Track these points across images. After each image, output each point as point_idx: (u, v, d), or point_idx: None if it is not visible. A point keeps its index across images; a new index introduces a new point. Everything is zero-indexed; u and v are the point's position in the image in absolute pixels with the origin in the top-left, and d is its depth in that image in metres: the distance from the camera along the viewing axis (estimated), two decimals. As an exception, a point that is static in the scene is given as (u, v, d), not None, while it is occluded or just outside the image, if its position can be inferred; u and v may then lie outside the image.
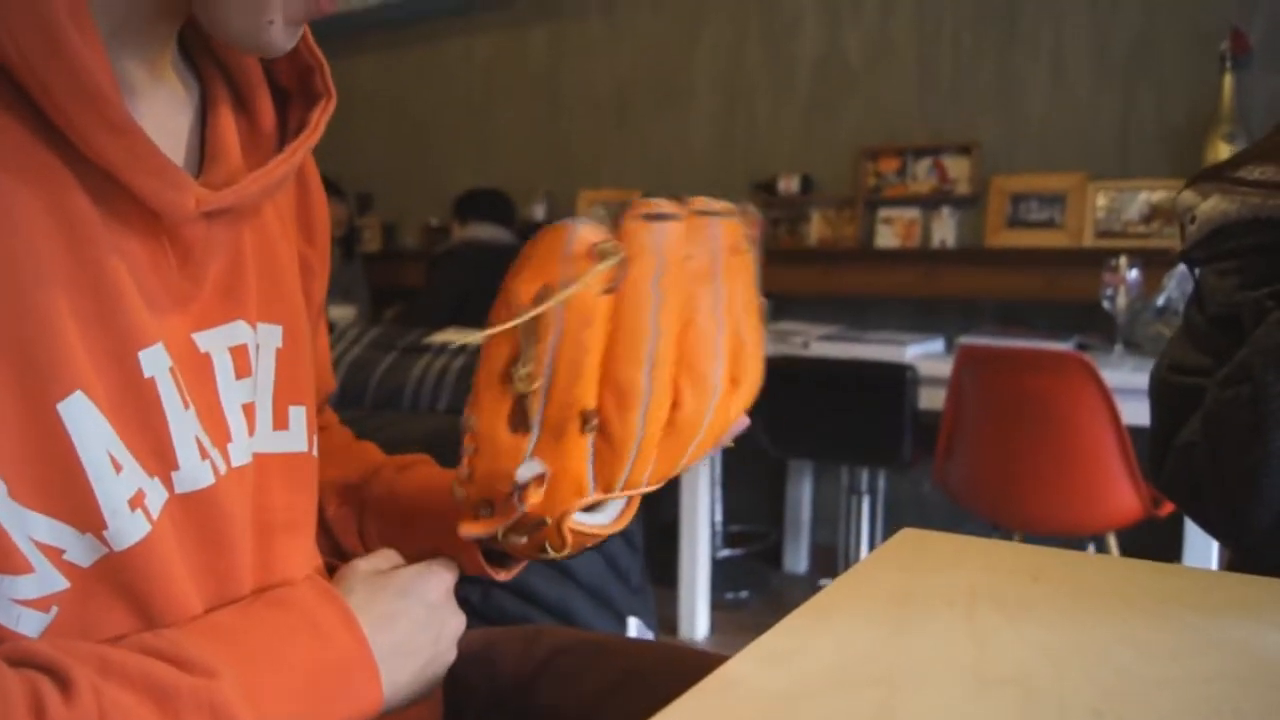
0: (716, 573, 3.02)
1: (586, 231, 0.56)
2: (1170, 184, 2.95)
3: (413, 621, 0.66)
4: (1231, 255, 0.93)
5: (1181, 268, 2.46)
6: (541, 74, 4.10)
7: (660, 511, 3.10)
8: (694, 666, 0.80)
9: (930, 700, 0.48)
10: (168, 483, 0.58)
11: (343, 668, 0.61)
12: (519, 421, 0.59)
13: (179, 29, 0.63)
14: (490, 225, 3.67)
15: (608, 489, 0.61)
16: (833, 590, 0.65)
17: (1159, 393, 0.99)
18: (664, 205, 0.61)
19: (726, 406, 0.64)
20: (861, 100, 3.40)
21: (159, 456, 0.57)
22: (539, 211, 4.05)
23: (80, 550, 0.54)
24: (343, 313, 3.90)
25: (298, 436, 0.69)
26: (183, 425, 0.58)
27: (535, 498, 0.60)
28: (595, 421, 0.59)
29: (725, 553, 3.42)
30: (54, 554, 0.53)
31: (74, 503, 0.53)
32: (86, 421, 0.53)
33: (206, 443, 0.60)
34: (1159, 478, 0.98)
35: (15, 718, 0.46)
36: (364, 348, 1.87)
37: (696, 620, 2.83)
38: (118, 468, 0.55)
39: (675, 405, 0.61)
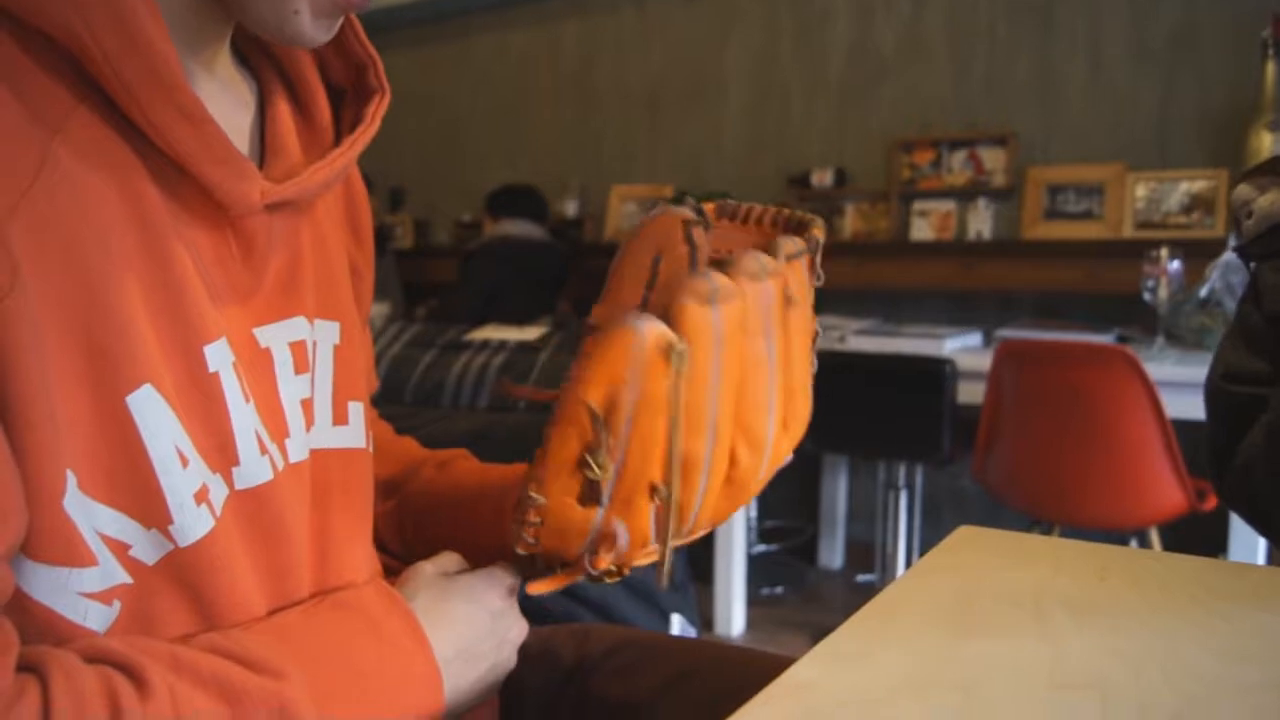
0: (751, 569, 3.01)
1: (652, 333, 0.56)
2: (1211, 174, 2.91)
3: (476, 628, 0.66)
4: None
5: (1226, 258, 2.43)
6: (574, 69, 4.09)
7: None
8: (745, 666, 0.80)
9: (1007, 706, 0.48)
10: (229, 479, 0.58)
11: (406, 673, 0.61)
12: (588, 498, 0.61)
13: (231, 30, 0.63)
14: (523, 221, 3.68)
15: (668, 539, 0.63)
16: (894, 590, 0.64)
17: (1215, 402, 0.96)
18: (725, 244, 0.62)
19: (779, 450, 0.67)
20: (895, 92, 3.38)
21: (221, 452, 0.57)
22: (571, 207, 4.05)
23: (146, 546, 0.54)
24: (376, 310, 3.92)
25: (356, 433, 0.69)
26: (244, 420, 0.59)
27: (605, 562, 0.63)
28: (664, 492, 0.61)
29: (760, 548, 3.41)
30: (119, 549, 0.54)
31: (141, 497, 0.54)
32: (155, 415, 0.54)
33: (266, 438, 0.60)
34: (1220, 490, 0.96)
35: (92, 714, 0.46)
36: (403, 345, 1.88)
37: (733, 616, 2.82)
38: (184, 462, 0.55)
39: (732, 463, 0.64)
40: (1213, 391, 0.97)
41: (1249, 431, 0.91)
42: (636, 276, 0.73)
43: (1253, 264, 0.97)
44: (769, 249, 0.63)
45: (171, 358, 0.55)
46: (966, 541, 0.74)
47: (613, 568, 0.65)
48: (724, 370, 0.60)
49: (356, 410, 0.69)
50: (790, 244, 0.65)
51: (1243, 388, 0.93)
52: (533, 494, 0.61)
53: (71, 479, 0.51)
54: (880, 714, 0.47)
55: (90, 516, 0.52)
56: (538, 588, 0.66)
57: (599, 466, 0.59)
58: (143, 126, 0.54)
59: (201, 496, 0.56)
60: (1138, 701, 0.48)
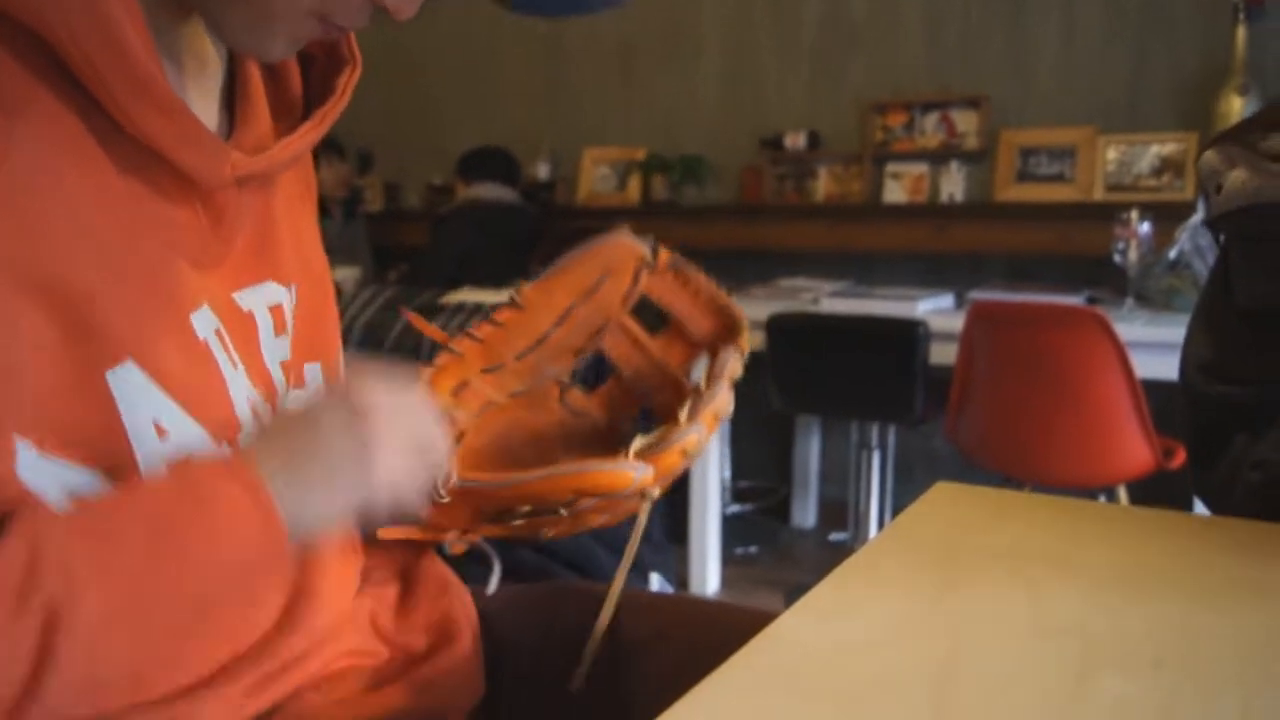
0: (725, 528, 3.03)
1: (644, 482, 0.66)
2: (1181, 137, 2.93)
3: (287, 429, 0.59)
4: (1263, 239, 0.90)
5: (1195, 220, 2.44)
6: (545, 30, 4.05)
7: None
8: (725, 620, 0.81)
9: (991, 652, 0.48)
10: (236, 446, 0.58)
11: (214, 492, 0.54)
12: (489, 517, 0.73)
13: None
14: (495, 184, 3.65)
15: None
16: (875, 545, 0.65)
17: (1190, 397, 0.92)
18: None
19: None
20: (868, 54, 3.36)
21: (223, 424, 0.57)
22: (543, 170, 4.02)
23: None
24: (346, 274, 3.88)
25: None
26: (238, 388, 0.59)
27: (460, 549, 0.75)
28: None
29: (734, 509, 3.44)
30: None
31: (114, 461, 0.53)
32: (134, 390, 0.54)
33: (258, 401, 0.60)
34: (1200, 485, 0.92)
35: None
36: (377, 310, 1.87)
37: (707, 575, 2.84)
38: (161, 433, 0.55)
39: None
40: (1188, 386, 0.93)
41: (1227, 430, 0.88)
42: (576, 285, 0.82)
43: (1221, 237, 0.96)
44: (718, 362, 0.75)
45: (158, 331, 0.55)
46: (944, 497, 0.75)
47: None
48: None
49: (313, 371, 0.70)
50: (735, 366, 0.75)
51: (1222, 386, 0.90)
52: (440, 491, 0.68)
53: (25, 444, 0.50)
54: (865, 663, 0.48)
55: (58, 476, 0.52)
56: (389, 533, 0.71)
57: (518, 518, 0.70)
58: (115, 116, 0.53)
59: None
60: (1119, 648, 0.49)
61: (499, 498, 0.68)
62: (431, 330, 0.84)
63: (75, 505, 0.51)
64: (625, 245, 0.82)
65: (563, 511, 0.67)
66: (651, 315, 0.85)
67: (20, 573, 0.47)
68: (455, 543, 0.72)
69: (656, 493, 0.67)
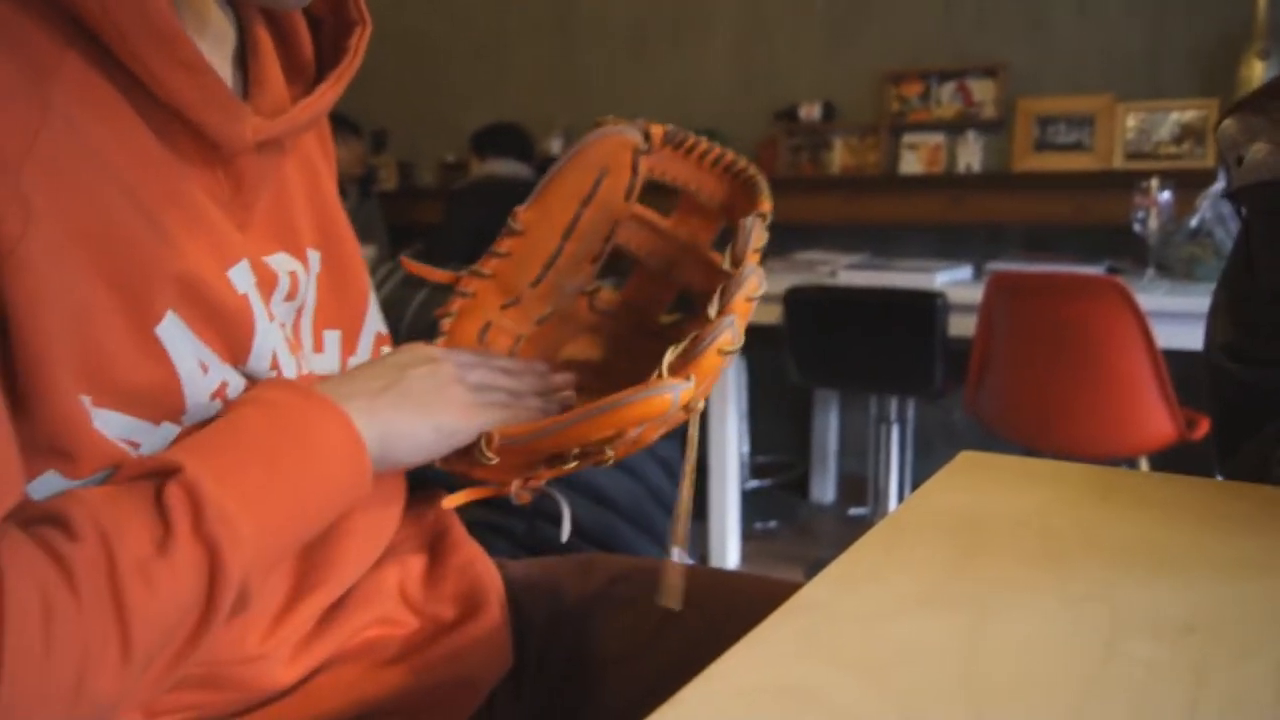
0: (745, 504, 3.03)
1: (684, 397, 0.61)
2: (1202, 104, 2.90)
3: (365, 368, 0.67)
4: None
5: (1216, 188, 2.42)
6: (557, 4, 4.03)
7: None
8: (748, 591, 0.81)
9: (1019, 619, 0.48)
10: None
11: (300, 415, 0.60)
12: (542, 464, 0.68)
13: None
14: (509, 160, 3.64)
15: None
16: (899, 515, 0.65)
17: (1214, 379, 0.90)
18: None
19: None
20: (882, 23, 3.34)
21: (256, 375, 0.61)
22: (556, 145, 4.01)
23: (155, 441, 0.56)
24: (362, 252, 3.88)
25: (331, 359, 0.71)
26: (267, 340, 0.61)
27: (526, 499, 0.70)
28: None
29: (753, 484, 3.44)
30: (130, 448, 0.55)
31: (163, 404, 0.56)
32: (180, 338, 0.56)
33: (284, 353, 0.63)
34: (1224, 468, 0.90)
35: (38, 568, 0.47)
36: (395, 285, 1.87)
37: (727, 551, 2.85)
38: (204, 369, 0.57)
39: None
40: (1212, 367, 0.91)
41: (1254, 414, 0.86)
42: (574, 191, 0.76)
43: (1243, 209, 0.94)
44: (740, 236, 0.66)
45: (198, 284, 0.56)
46: (969, 466, 0.75)
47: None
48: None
49: (332, 338, 0.71)
50: (759, 235, 0.67)
51: (1247, 368, 0.87)
52: (487, 453, 0.65)
53: (86, 402, 0.52)
54: (894, 630, 0.47)
55: (118, 429, 0.54)
56: (453, 500, 0.69)
57: (570, 459, 0.66)
58: (139, 75, 0.54)
59: (218, 394, 0.58)
60: (1149, 614, 0.48)
61: (542, 448, 0.65)
62: (433, 272, 0.79)
63: (192, 446, 0.55)
64: (614, 138, 0.75)
65: (609, 452, 0.63)
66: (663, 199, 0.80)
67: (190, 515, 0.51)
68: (520, 492, 0.69)
69: (701, 404, 0.62)
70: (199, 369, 0.57)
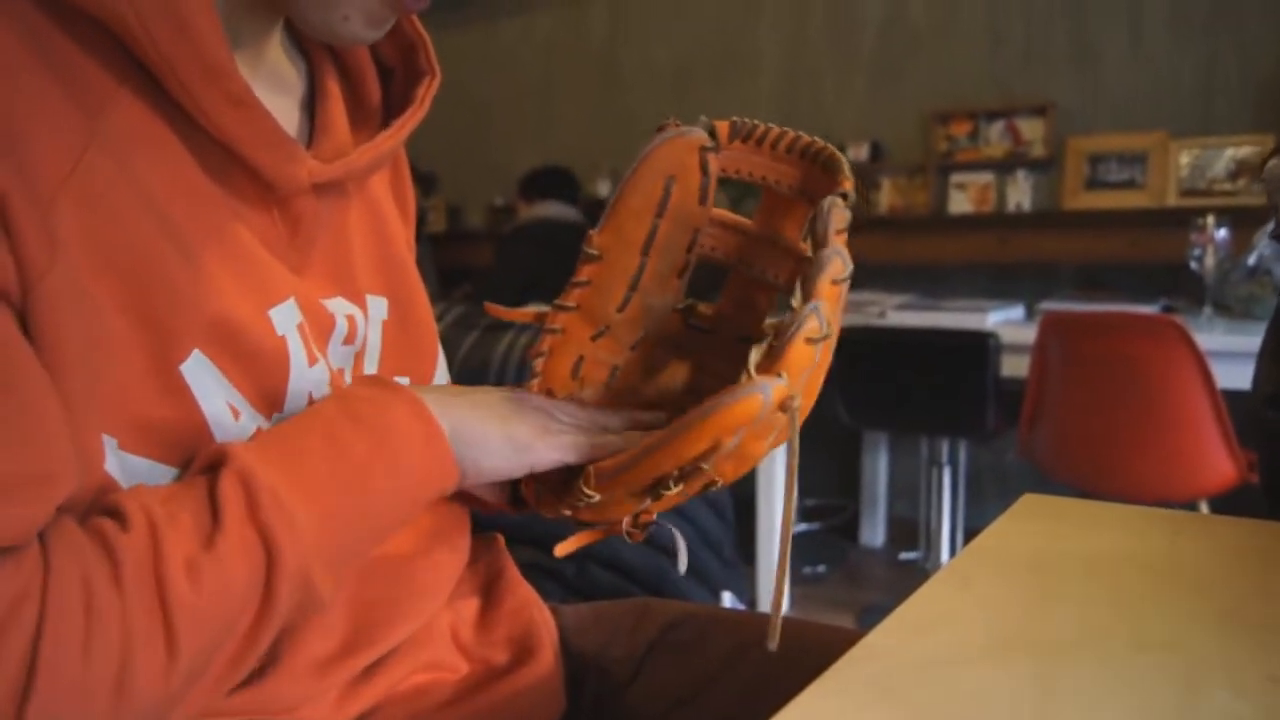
0: (793, 548, 3.00)
1: (777, 394, 0.56)
2: (1257, 139, 2.86)
3: (466, 392, 0.67)
4: None
5: (1270, 227, 2.37)
6: (601, 49, 4.08)
7: (737, 487, 3.09)
8: (804, 637, 0.80)
9: (1089, 667, 0.47)
10: None
11: (388, 417, 0.59)
12: (646, 494, 0.62)
13: (282, 19, 0.64)
14: (557, 203, 3.67)
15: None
16: (964, 559, 0.63)
17: (1262, 429, 0.86)
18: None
19: None
20: (929, 63, 3.33)
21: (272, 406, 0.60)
22: (603, 188, 4.04)
23: None
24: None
25: None
26: (301, 383, 0.60)
27: (639, 536, 0.66)
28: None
29: (802, 527, 3.40)
30: None
31: (190, 450, 0.55)
32: (206, 378, 0.55)
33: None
34: (1275, 513, 0.86)
35: (88, 558, 0.47)
36: (446, 326, 1.88)
37: (776, 594, 2.81)
38: (236, 415, 0.57)
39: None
40: (1259, 418, 0.86)
41: None
42: (645, 204, 0.71)
43: None
44: (820, 218, 0.61)
45: (228, 323, 0.56)
46: (1033, 509, 0.73)
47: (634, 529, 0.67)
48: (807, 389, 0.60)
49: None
50: (839, 215, 0.62)
51: None
52: (591, 490, 0.61)
53: (110, 442, 0.52)
54: (961, 679, 0.46)
55: (128, 472, 0.53)
56: (565, 547, 0.67)
57: (680, 494, 0.61)
58: (191, 110, 0.54)
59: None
60: (1226, 663, 0.47)
61: (639, 475, 0.61)
62: (515, 313, 0.76)
63: (254, 437, 0.56)
64: (677, 140, 0.70)
65: (704, 466, 0.59)
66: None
67: (243, 504, 0.51)
68: (632, 530, 0.65)
69: (798, 402, 0.57)
70: (227, 411, 0.56)
